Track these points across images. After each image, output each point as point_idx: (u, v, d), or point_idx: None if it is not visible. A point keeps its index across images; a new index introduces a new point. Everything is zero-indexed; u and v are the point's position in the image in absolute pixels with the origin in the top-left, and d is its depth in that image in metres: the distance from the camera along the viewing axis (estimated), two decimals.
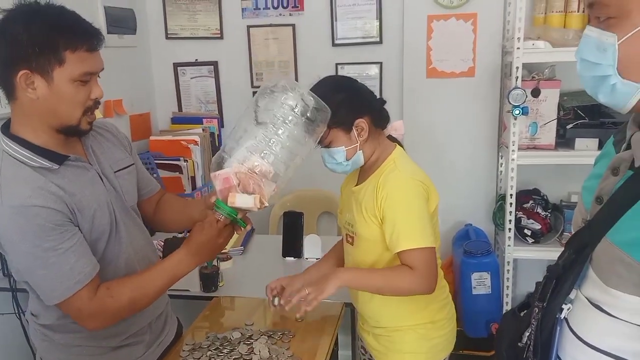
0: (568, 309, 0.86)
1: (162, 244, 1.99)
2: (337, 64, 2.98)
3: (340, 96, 1.38)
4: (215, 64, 3.11)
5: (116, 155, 1.41)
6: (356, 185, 1.53)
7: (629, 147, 0.85)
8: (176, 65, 3.14)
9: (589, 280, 0.84)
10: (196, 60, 3.13)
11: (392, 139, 1.53)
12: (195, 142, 2.80)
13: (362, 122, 1.40)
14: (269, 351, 1.45)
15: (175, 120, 3.14)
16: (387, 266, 1.45)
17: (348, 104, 1.39)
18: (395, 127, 1.53)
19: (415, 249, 1.34)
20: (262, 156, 1.23)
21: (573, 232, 0.93)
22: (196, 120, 3.07)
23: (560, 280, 0.87)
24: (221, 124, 3.11)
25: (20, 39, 1.12)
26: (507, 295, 2.76)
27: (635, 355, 0.79)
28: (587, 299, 0.84)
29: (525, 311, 0.98)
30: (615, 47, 0.78)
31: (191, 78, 3.15)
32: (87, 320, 1.25)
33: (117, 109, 2.74)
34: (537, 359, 0.90)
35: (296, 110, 1.25)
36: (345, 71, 2.98)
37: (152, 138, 2.90)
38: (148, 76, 3.11)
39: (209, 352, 1.46)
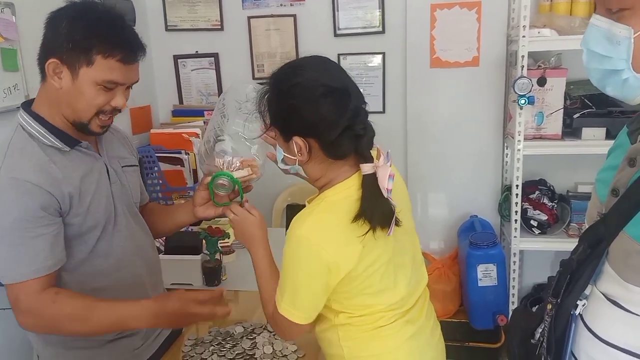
0: (583, 305, 0.83)
1: (164, 239, 1.96)
2: (339, 55, 2.94)
3: (288, 101, 1.13)
4: (215, 55, 3.07)
5: (124, 153, 1.44)
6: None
7: None
8: (176, 57, 3.10)
9: (605, 275, 0.81)
10: (196, 52, 3.09)
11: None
12: (197, 135, 2.76)
13: (300, 142, 1.14)
14: (272, 346, 1.43)
15: (176, 112, 3.10)
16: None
17: (291, 113, 1.14)
18: (379, 175, 1.13)
19: (279, 310, 1.17)
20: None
21: (587, 226, 0.89)
22: (197, 112, 3.03)
23: (575, 275, 0.83)
24: None
25: (61, 32, 1.17)
26: (513, 287, 2.73)
27: None
28: (603, 294, 0.81)
29: (537, 307, 0.94)
30: (631, 40, 0.74)
31: (192, 70, 3.11)
32: (21, 314, 1.19)
33: None
34: (551, 356, 0.87)
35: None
36: (347, 62, 2.94)
37: (152, 131, 2.87)
38: (148, 68, 3.08)
39: (212, 347, 1.44)
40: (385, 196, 1.13)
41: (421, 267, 1.34)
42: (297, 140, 1.13)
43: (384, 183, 1.12)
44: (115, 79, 1.19)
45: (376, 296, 1.18)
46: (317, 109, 1.10)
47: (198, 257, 1.87)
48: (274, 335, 1.50)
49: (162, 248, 1.95)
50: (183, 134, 2.78)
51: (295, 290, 1.14)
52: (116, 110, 1.25)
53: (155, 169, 2.62)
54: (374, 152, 1.17)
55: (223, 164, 1.35)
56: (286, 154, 1.19)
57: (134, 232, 1.38)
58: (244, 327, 1.53)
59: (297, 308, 1.15)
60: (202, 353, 1.42)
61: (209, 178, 1.36)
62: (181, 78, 3.13)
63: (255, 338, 1.47)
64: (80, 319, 1.20)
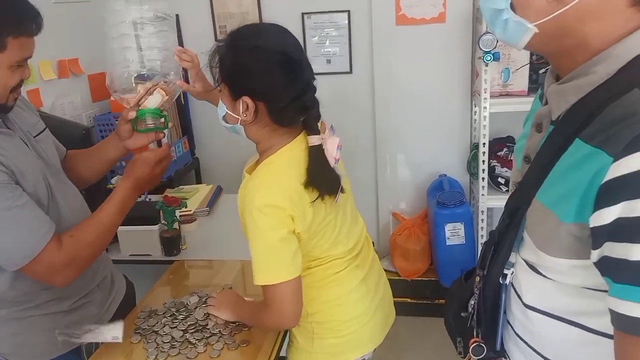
0: (512, 274, 0.82)
1: None
2: (303, 14, 2.86)
3: (245, 61, 1.14)
4: (176, 17, 2.96)
5: (30, 120, 1.36)
6: (252, 170, 1.28)
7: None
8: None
9: (524, 243, 0.80)
10: None
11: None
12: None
13: (248, 101, 1.15)
14: None
15: (137, 77, 3.00)
16: None
17: (245, 73, 1.15)
18: (328, 146, 1.18)
19: (265, 285, 1.17)
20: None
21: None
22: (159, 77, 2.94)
23: (498, 246, 0.82)
24: (186, 80, 2.98)
25: None
26: (481, 244, 2.75)
27: (569, 311, 0.76)
28: (524, 261, 0.80)
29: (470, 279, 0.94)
30: None
31: (152, 33, 3.00)
32: (60, 273, 1.20)
33: (73, 69, 2.61)
34: (481, 327, 0.86)
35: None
36: (312, 21, 2.86)
37: (113, 98, 2.78)
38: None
39: (164, 319, 1.42)
40: (333, 165, 1.18)
41: (357, 216, 1.44)
42: (246, 100, 1.15)
43: (334, 153, 1.17)
44: (28, 54, 1.17)
45: (327, 249, 1.28)
46: (273, 75, 1.14)
47: (156, 227, 1.83)
48: None
49: None
50: None
51: (271, 257, 1.16)
52: (22, 81, 1.22)
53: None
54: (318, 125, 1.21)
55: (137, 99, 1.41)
56: (229, 112, 1.20)
57: (69, 200, 1.34)
58: (199, 297, 1.52)
59: (276, 269, 1.16)
60: (154, 325, 1.40)
61: (132, 114, 1.39)
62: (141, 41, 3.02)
63: (207, 306, 1.46)
64: (104, 234, 1.28)
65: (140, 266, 1.91)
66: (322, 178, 1.17)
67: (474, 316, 0.86)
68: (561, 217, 0.69)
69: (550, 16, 0.69)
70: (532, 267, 0.78)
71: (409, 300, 2.88)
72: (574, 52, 0.72)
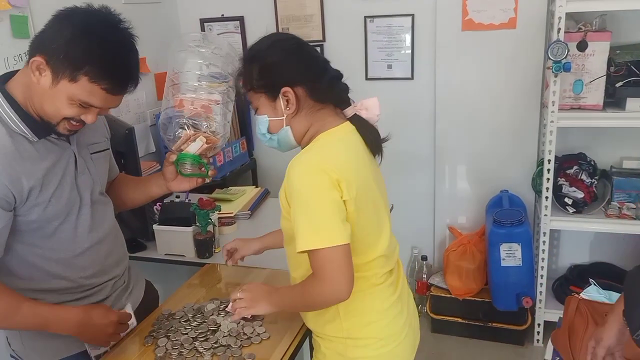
0: None
1: (159, 208, 1.96)
2: (365, 17, 2.79)
3: (271, 58, 1.22)
4: (241, 19, 3.00)
5: (96, 137, 1.39)
6: None
7: None
8: (203, 21, 3.06)
9: None
10: (222, 15, 3.03)
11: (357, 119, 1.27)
12: (217, 102, 2.73)
13: (289, 92, 1.20)
14: (237, 325, 1.40)
15: (201, 78, 3.08)
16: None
17: (276, 67, 1.21)
18: (366, 105, 1.28)
19: (311, 250, 1.11)
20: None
21: None
22: (222, 77, 2.99)
23: None
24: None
25: (61, 38, 1.11)
26: (542, 267, 2.55)
27: None
28: None
29: None
30: None
31: (218, 34, 3.06)
32: None
33: (140, 67, 2.70)
34: None
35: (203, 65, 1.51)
36: (374, 24, 2.79)
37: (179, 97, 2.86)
38: (174, 33, 3.06)
39: (178, 324, 1.43)
40: (374, 123, 1.29)
41: (393, 236, 1.39)
42: (286, 90, 1.20)
43: (376, 110, 1.28)
44: (92, 103, 1.16)
45: (372, 245, 1.25)
46: (301, 56, 1.24)
47: (190, 229, 1.85)
48: None
49: (156, 218, 1.96)
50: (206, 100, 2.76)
51: (319, 218, 1.11)
52: (83, 122, 1.22)
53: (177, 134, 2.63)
54: None
55: (179, 142, 1.40)
56: (272, 118, 1.24)
57: (98, 221, 1.36)
58: (221, 302, 1.51)
59: (325, 232, 1.10)
60: (169, 329, 1.41)
61: (174, 156, 1.43)
62: None
63: (223, 317, 1.44)
64: (6, 315, 1.19)
65: (175, 266, 1.95)
66: (371, 138, 1.27)
67: None
68: None
69: None
70: None
71: (459, 320, 2.74)
72: None
